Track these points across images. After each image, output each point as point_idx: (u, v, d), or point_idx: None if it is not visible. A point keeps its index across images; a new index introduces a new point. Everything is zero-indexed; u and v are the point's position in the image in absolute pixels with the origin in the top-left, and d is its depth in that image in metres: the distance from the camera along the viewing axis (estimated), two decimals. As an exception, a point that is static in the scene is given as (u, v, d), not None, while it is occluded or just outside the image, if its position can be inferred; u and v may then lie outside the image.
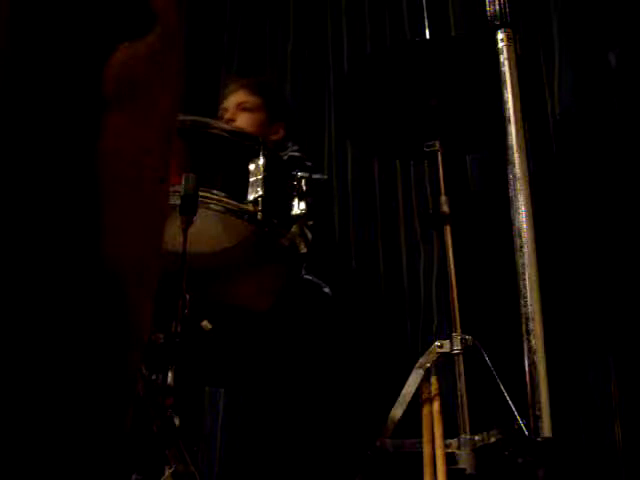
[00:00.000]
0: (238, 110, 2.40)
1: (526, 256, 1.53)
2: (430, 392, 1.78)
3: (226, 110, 2.41)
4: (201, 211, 1.57)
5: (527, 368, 1.48)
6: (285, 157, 2.23)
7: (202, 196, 1.59)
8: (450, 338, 1.79)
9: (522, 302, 1.52)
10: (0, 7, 0.57)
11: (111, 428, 0.61)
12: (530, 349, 1.48)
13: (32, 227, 0.58)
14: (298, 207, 1.76)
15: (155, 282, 0.65)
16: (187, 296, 1.52)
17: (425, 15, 2.46)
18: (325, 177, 2.49)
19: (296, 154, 2.30)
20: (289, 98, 2.99)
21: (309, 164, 2.25)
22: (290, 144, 2.41)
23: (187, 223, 1.54)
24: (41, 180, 0.58)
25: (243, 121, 2.36)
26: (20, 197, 0.58)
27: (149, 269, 0.65)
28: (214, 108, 2.54)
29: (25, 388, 0.57)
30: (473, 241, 2.31)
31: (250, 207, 1.67)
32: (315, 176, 1.87)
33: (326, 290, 2.18)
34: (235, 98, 2.42)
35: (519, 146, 1.61)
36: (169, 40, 0.62)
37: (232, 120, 2.36)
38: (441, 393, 1.78)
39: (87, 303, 0.59)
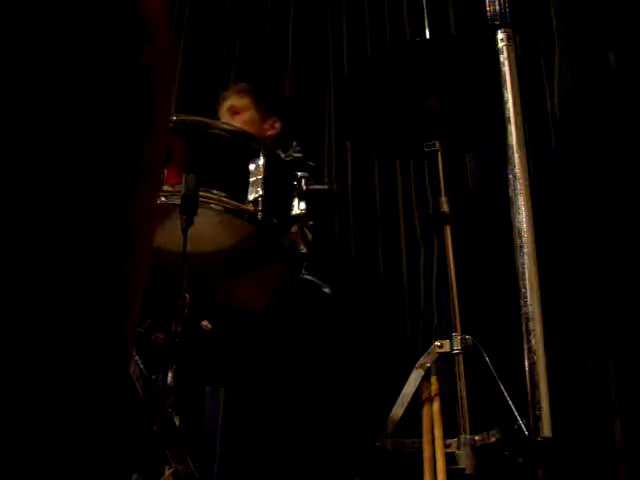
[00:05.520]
0: (229, 115, 2.47)
1: (526, 256, 1.53)
2: (430, 392, 1.78)
3: (219, 119, 2.45)
4: (201, 211, 1.58)
5: (527, 368, 1.48)
6: (287, 157, 2.24)
7: (202, 196, 1.60)
8: (450, 338, 1.79)
9: (522, 302, 1.51)
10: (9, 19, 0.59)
11: (106, 423, 0.61)
12: (530, 349, 1.48)
13: (29, 226, 0.59)
14: (298, 207, 1.76)
15: (145, 276, 0.66)
16: (187, 296, 1.52)
17: (425, 15, 2.46)
18: (326, 187, 2.49)
19: (298, 155, 2.31)
20: (289, 96, 2.99)
21: (312, 164, 2.26)
22: (294, 144, 2.42)
23: (187, 223, 1.54)
24: (44, 186, 0.59)
25: (235, 123, 2.38)
26: (19, 197, 0.59)
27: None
28: (214, 108, 2.55)
29: (19, 383, 0.57)
30: (473, 241, 2.31)
31: (250, 207, 1.67)
32: (316, 187, 1.87)
33: (326, 290, 2.18)
34: (226, 104, 2.51)
35: (519, 146, 1.61)
36: (162, 56, 0.65)
37: None
38: (441, 393, 1.78)
39: (79, 297, 0.60)
